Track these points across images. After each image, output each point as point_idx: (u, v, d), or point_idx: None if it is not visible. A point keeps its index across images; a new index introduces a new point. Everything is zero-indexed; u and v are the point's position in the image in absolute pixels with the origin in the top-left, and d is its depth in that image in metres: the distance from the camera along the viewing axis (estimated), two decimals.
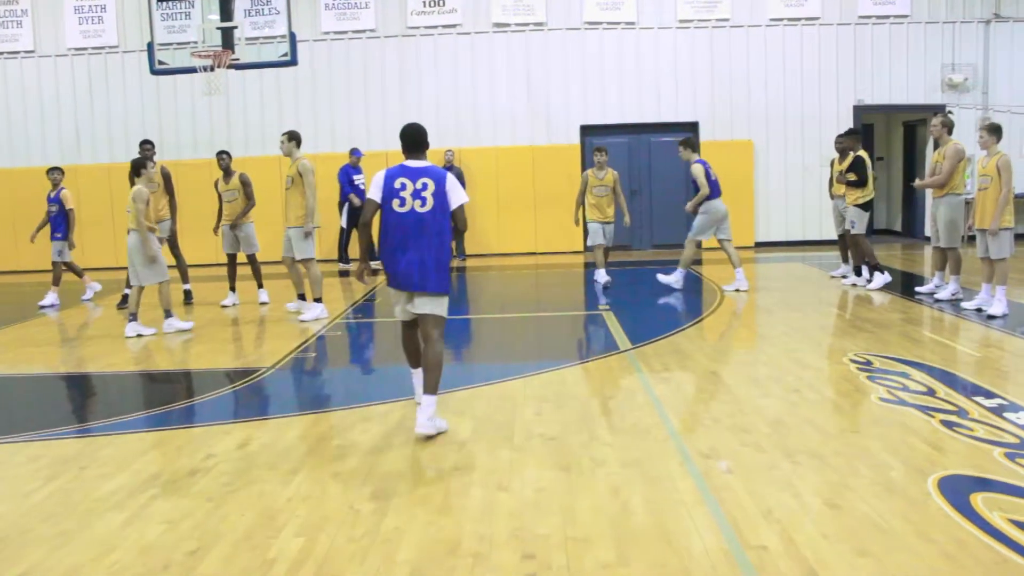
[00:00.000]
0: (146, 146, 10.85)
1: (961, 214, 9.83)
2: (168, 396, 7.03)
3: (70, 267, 11.78)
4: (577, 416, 5.68)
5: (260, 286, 11.11)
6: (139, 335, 9.09)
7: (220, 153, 10.92)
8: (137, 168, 9.16)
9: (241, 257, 11.05)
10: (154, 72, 12.24)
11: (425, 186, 5.37)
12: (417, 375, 5.80)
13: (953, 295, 9.72)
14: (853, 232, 10.95)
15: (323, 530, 3.95)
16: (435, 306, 5.45)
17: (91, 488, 4.62)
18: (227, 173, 10.75)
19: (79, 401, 7.22)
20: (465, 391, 6.57)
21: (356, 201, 13.68)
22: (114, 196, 15.46)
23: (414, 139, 5.59)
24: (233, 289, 11.09)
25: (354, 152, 14.13)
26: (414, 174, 5.42)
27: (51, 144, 16.03)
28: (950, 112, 12.13)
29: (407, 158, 5.57)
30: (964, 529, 3.74)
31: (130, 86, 15.96)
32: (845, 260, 11.72)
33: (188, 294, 11.50)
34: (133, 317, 9.15)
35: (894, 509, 4.00)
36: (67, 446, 5.47)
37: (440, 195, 5.36)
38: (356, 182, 13.88)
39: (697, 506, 4.11)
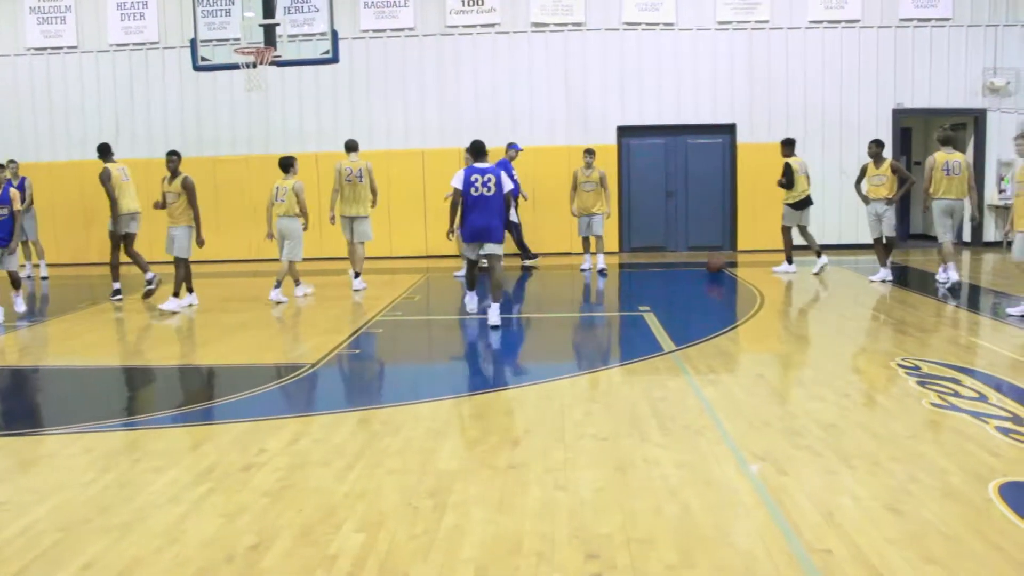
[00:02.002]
0: (172, 156, 10.61)
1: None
2: (214, 391, 7.09)
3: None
4: (627, 417, 5.66)
5: (191, 289, 10.82)
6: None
7: (170, 153, 10.60)
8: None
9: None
10: (197, 68, 12.34)
11: (488, 180, 8.67)
12: (471, 294, 9.50)
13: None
14: (784, 224, 12.83)
15: (383, 526, 3.96)
16: (497, 248, 8.80)
17: (146, 481, 4.66)
18: (173, 175, 10.42)
19: (127, 394, 7.30)
20: (513, 390, 6.58)
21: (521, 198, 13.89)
22: (151, 190, 15.53)
23: (479, 150, 9.03)
24: (191, 291, 10.84)
25: (513, 147, 13.91)
26: (482, 172, 8.75)
27: (91, 139, 16.14)
28: (943, 127, 12.51)
29: (474, 161, 8.96)
30: None
31: (170, 82, 16.09)
32: (883, 264, 11.80)
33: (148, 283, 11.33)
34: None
35: (957, 515, 3.95)
36: (119, 438, 5.53)
37: (498, 184, 8.68)
38: (514, 177, 13.88)
39: (756, 509, 4.09)
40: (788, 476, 4.49)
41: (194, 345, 8.85)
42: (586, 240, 13.51)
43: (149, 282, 11.31)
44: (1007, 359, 7.29)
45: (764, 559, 3.55)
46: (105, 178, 11.07)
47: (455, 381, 7.35)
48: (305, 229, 11.29)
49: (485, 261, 8.87)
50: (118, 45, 16.21)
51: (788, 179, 12.58)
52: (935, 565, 3.47)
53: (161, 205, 10.58)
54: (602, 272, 13.21)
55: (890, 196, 11.73)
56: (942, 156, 11.23)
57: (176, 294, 10.49)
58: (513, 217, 13.93)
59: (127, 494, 4.46)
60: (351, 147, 12.05)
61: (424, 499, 4.29)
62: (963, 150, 16.11)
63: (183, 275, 10.56)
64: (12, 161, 13.55)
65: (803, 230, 12.82)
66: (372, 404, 6.38)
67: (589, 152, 13.31)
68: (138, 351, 8.75)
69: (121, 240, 11.37)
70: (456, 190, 8.70)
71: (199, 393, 7.15)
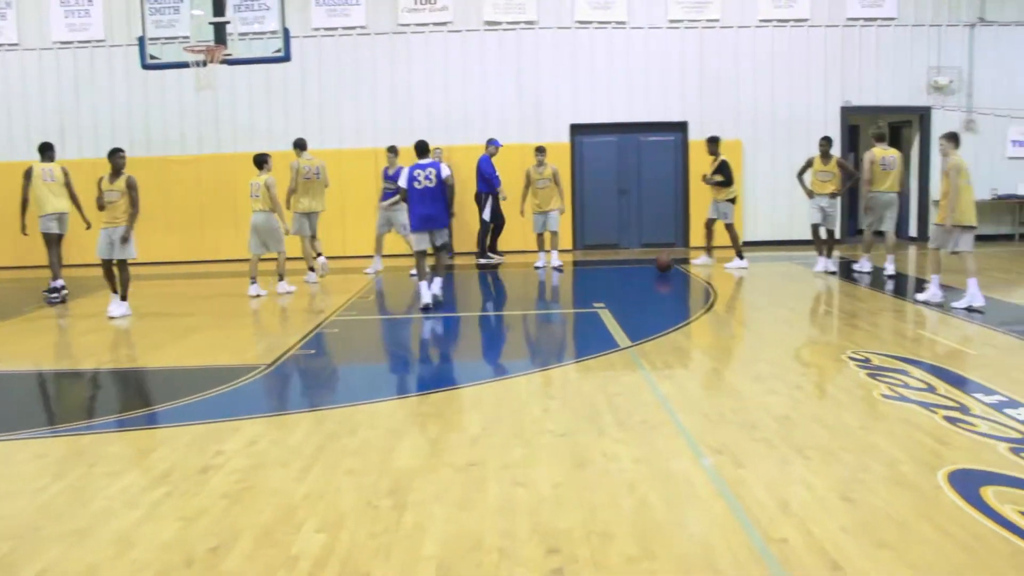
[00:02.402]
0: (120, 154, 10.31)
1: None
2: (169, 394, 6.99)
3: None
4: (585, 413, 5.70)
5: (124, 297, 10.29)
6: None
7: (116, 151, 10.28)
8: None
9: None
10: (145, 66, 12.13)
11: (429, 172, 9.60)
12: (423, 285, 9.89)
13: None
14: (727, 222, 13.01)
15: (343, 527, 3.95)
16: (444, 235, 9.81)
17: (101, 486, 4.59)
18: (117, 173, 10.07)
19: (79, 399, 7.17)
20: (470, 388, 6.59)
21: (501, 193, 14.11)
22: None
23: (423, 149, 9.98)
24: (115, 291, 10.38)
25: (494, 143, 14.16)
26: (423, 167, 9.66)
27: (35, 138, 15.78)
28: (878, 125, 13.22)
29: (419, 159, 9.84)
30: (978, 522, 3.80)
31: (117, 81, 15.80)
32: (820, 253, 12.43)
33: (59, 290, 11.32)
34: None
35: (908, 503, 4.05)
36: (72, 443, 5.44)
37: (438, 176, 9.60)
38: (495, 173, 14.08)
39: (714, 500, 4.15)
40: (744, 468, 4.56)
41: (147, 348, 8.71)
42: (540, 237, 13.63)
43: (55, 290, 11.20)
44: (952, 350, 7.47)
45: (723, 549, 3.61)
46: (25, 176, 11.27)
47: (412, 380, 7.35)
48: (287, 232, 11.68)
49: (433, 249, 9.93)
50: (62, 43, 15.88)
51: (727, 176, 12.88)
52: (887, 550, 3.55)
53: (101, 205, 10.22)
54: (558, 269, 13.34)
55: (836, 191, 12.32)
56: (879, 151, 11.82)
57: (124, 297, 10.26)
58: (485, 215, 13.99)
59: (81, 500, 4.39)
60: (303, 145, 12.40)
61: (384, 498, 4.28)
62: (909, 147, 16.48)
63: (128, 277, 10.33)
64: None
65: (730, 227, 13.18)
66: (329, 404, 6.34)
67: (540, 150, 13.54)
68: (89, 355, 8.59)
69: (48, 239, 11.39)
70: (402, 189, 9.72)
71: (153, 396, 7.05)
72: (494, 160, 14.20)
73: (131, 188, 10.08)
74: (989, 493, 4.13)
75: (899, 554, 3.53)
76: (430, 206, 9.62)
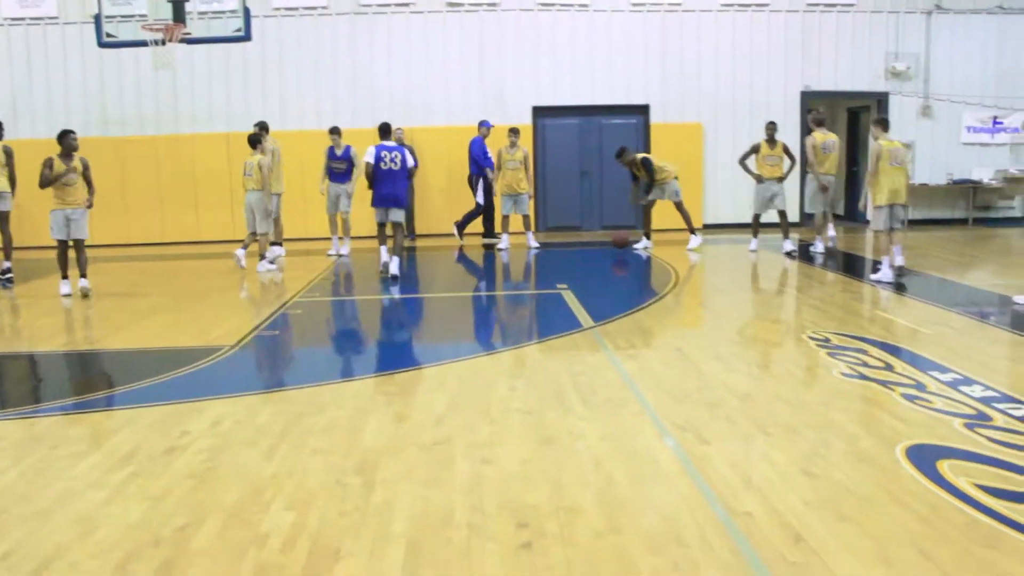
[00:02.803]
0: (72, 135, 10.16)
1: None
2: (132, 375, 6.90)
3: None
4: (550, 391, 5.75)
5: (84, 274, 10.16)
6: None
7: (68, 132, 10.16)
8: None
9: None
10: (102, 45, 11.97)
11: (395, 156, 10.27)
12: (384, 250, 10.94)
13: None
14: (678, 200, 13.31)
15: (312, 505, 3.96)
16: (400, 215, 10.48)
17: (64, 467, 4.54)
18: (68, 154, 9.97)
19: (39, 382, 7.07)
20: (435, 367, 6.61)
21: (491, 175, 13.95)
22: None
23: (386, 130, 10.64)
24: (65, 277, 10.30)
25: (485, 124, 14.10)
26: (389, 149, 10.33)
27: None
28: (818, 110, 13.42)
29: (382, 140, 10.50)
30: (935, 494, 3.90)
31: (71, 59, 15.49)
32: (755, 236, 12.97)
33: (8, 272, 11.10)
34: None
35: (867, 477, 4.15)
36: (33, 425, 5.37)
37: (403, 160, 10.32)
38: (487, 154, 13.99)
39: (680, 477, 4.22)
40: (709, 445, 4.63)
41: (107, 330, 8.60)
42: (506, 219, 13.71)
43: (4, 271, 11.03)
44: (909, 330, 7.63)
45: (689, 523, 3.67)
46: None
47: (377, 360, 7.35)
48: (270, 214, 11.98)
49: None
50: (13, 19, 15.52)
51: (651, 175, 13.08)
52: (848, 523, 3.64)
53: (48, 184, 9.93)
54: (535, 248, 13.54)
55: (782, 176, 12.62)
56: (820, 136, 12.32)
57: (84, 275, 10.12)
58: (479, 198, 13.94)
59: (44, 481, 4.35)
60: (267, 128, 12.76)
61: (352, 476, 4.29)
62: (867, 132, 16.71)
63: (86, 256, 10.21)
64: None
65: (680, 204, 13.39)
66: (294, 384, 6.33)
67: (514, 131, 13.68)
68: (47, 336, 8.45)
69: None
70: (367, 163, 10.23)
71: (114, 378, 6.97)
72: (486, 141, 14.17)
73: (86, 168, 9.98)
74: (945, 467, 4.24)
75: (859, 526, 3.62)
76: (392, 187, 10.30)
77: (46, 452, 4.78)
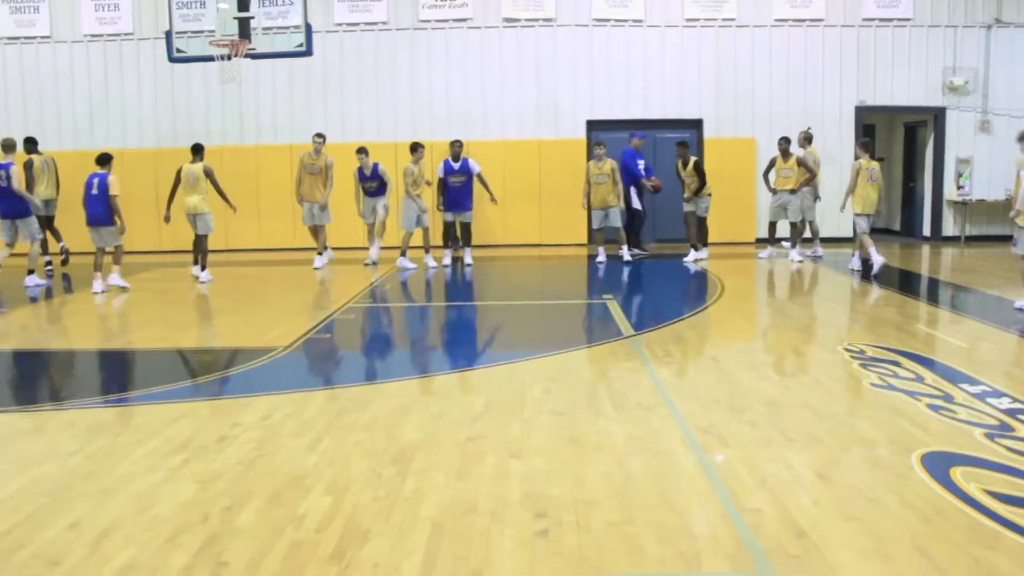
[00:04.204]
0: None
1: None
2: (190, 372, 7.33)
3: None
4: (583, 395, 5.98)
5: (203, 266, 12.20)
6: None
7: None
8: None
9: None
10: (172, 60, 12.51)
11: (461, 172, 12.76)
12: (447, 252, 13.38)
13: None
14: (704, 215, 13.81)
15: (349, 491, 4.25)
16: (468, 216, 12.97)
17: (126, 451, 4.92)
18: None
19: (104, 375, 7.52)
20: (477, 371, 6.89)
21: (647, 184, 14.26)
22: (126, 181, 15.71)
23: (456, 152, 13.11)
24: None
25: (637, 135, 14.55)
26: (458, 166, 12.88)
27: (66, 128, 16.29)
28: (808, 129, 14.23)
29: (450, 155, 13.09)
30: (943, 498, 4.04)
31: (144, 73, 16.20)
32: (772, 244, 13.98)
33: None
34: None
35: (880, 481, 4.30)
36: (99, 415, 5.77)
37: (468, 173, 12.82)
38: (640, 166, 14.32)
39: (697, 476, 4.41)
40: (730, 447, 4.82)
41: (174, 328, 9.06)
42: (599, 233, 13.83)
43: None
44: (945, 344, 7.68)
45: (699, 516, 3.88)
46: (27, 167, 12.49)
47: (420, 363, 7.64)
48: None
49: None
50: (92, 36, 16.30)
51: (703, 179, 13.46)
52: (853, 522, 3.81)
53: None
54: (627, 262, 13.55)
55: (794, 188, 13.42)
56: (867, 163, 12.26)
57: (204, 266, 12.23)
58: (635, 204, 14.30)
59: (108, 464, 4.72)
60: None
61: (388, 467, 4.58)
62: (924, 147, 16.62)
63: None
64: None
65: (702, 220, 13.85)
66: (340, 384, 6.66)
67: (599, 144, 13.66)
68: (118, 334, 8.94)
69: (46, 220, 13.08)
70: (439, 178, 12.91)
71: (177, 374, 7.38)
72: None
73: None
74: (958, 473, 4.37)
75: (864, 525, 3.78)
76: (459, 196, 12.89)
77: (111, 439, 5.16)
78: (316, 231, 13.50)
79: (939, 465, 4.48)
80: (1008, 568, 3.36)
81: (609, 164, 13.39)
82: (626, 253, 13.67)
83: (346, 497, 4.17)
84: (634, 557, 3.52)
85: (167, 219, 12.58)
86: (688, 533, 3.72)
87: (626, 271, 12.87)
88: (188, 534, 3.78)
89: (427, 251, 13.45)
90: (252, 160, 15.81)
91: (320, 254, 13.46)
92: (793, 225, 13.53)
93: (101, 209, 11.16)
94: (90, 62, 16.33)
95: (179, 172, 12.21)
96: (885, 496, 4.10)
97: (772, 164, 13.72)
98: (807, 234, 14.10)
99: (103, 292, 11.03)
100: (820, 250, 13.94)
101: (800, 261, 13.10)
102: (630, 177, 14.18)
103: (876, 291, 10.72)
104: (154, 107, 16.20)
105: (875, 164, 11.92)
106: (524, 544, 3.63)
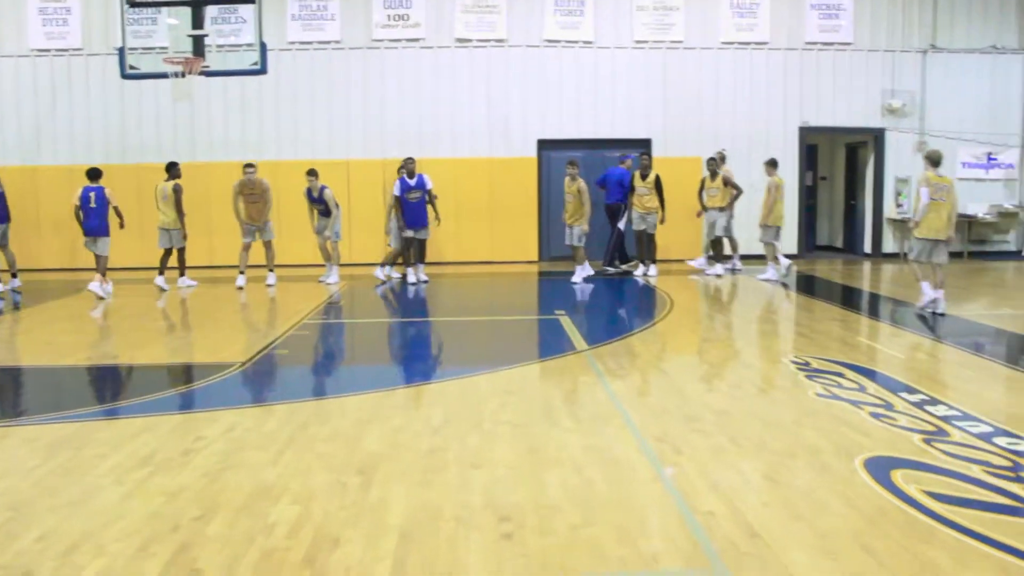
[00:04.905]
0: None
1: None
2: (149, 388, 7.33)
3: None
4: (540, 407, 6.14)
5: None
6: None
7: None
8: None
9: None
10: (125, 76, 12.44)
11: (417, 188, 12.82)
12: (411, 269, 13.28)
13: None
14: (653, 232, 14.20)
15: (315, 500, 4.36)
16: (426, 233, 13.01)
17: (90, 465, 4.95)
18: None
19: (61, 392, 7.48)
20: (435, 384, 7.02)
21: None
22: (75, 198, 15.58)
23: (411, 169, 13.08)
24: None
25: (628, 157, 14.75)
26: (414, 182, 12.92)
27: (10, 143, 16.08)
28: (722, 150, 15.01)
29: (405, 175, 13.09)
30: (884, 499, 4.28)
31: (93, 89, 16.07)
32: (717, 260, 14.31)
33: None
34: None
35: (825, 483, 4.52)
36: (60, 430, 5.78)
37: (424, 189, 12.97)
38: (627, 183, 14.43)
39: (652, 482, 4.60)
40: (682, 454, 5.01)
41: (128, 346, 9.03)
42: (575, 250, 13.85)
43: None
44: (886, 355, 8.00)
45: (656, 519, 4.06)
46: None
47: (379, 377, 7.73)
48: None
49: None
50: (39, 50, 16.13)
51: (661, 195, 14.01)
52: (801, 522, 4.02)
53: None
54: (586, 279, 13.56)
55: (722, 206, 14.06)
56: (779, 180, 13.56)
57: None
58: (621, 224, 14.51)
59: (72, 478, 4.75)
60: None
61: (352, 477, 4.69)
62: (865, 167, 17.17)
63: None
64: None
65: (651, 237, 14.24)
66: (301, 398, 6.74)
67: (571, 163, 13.67)
68: (71, 352, 8.89)
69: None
70: (396, 197, 12.96)
71: (136, 389, 7.39)
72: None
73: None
74: (898, 476, 4.61)
75: (810, 524, 3.99)
76: (418, 212, 13.04)
77: (73, 453, 5.19)
78: (267, 246, 13.50)
79: (881, 468, 4.72)
80: (944, 562, 3.59)
81: (577, 185, 13.36)
82: (578, 273, 13.73)
83: (313, 506, 4.27)
84: (596, 558, 3.68)
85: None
86: (646, 535, 3.89)
87: (578, 288, 13.07)
88: (159, 544, 3.86)
89: (409, 265, 13.67)
90: (203, 177, 15.72)
91: (271, 271, 13.47)
92: (718, 240, 14.19)
93: (99, 221, 12.21)
94: (37, 77, 16.15)
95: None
96: (830, 498, 4.32)
97: (702, 183, 14.29)
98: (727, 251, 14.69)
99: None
100: (739, 263, 14.64)
101: (720, 276, 13.80)
102: (624, 195, 14.42)
103: (814, 304, 11.06)
104: (104, 123, 16.05)
105: (783, 181, 13.50)
106: (490, 547, 3.77)
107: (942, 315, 9.68)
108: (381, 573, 3.55)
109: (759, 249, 14.22)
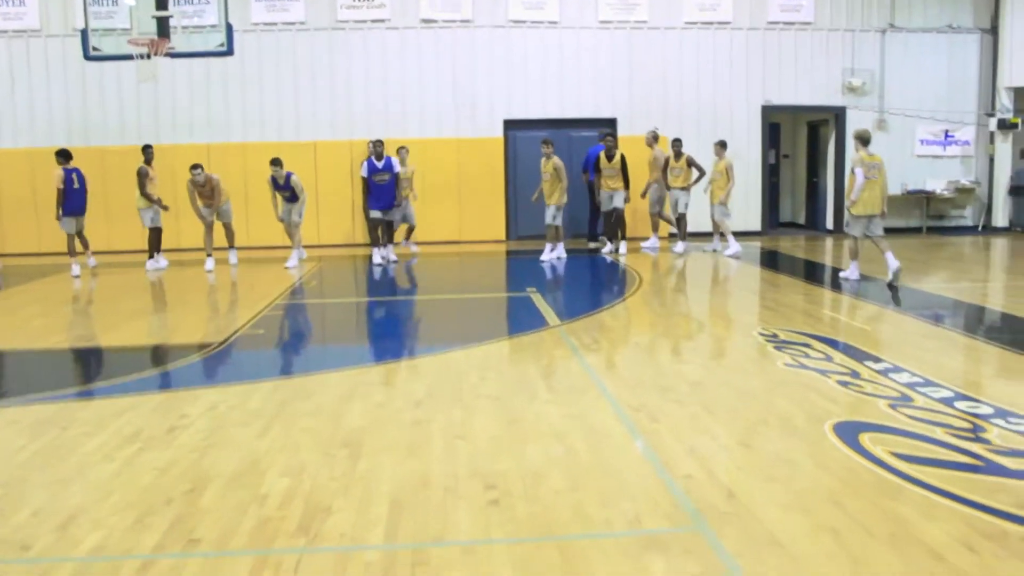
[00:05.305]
0: None
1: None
2: (128, 368, 7.35)
3: None
4: (518, 380, 6.28)
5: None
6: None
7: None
8: None
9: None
10: (88, 58, 12.38)
11: (384, 171, 12.54)
12: (377, 250, 13.29)
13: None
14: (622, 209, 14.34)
15: (304, 472, 4.45)
16: (393, 215, 13.16)
17: (76, 444, 5.00)
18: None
19: (38, 374, 7.47)
20: (413, 360, 7.12)
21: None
22: (36, 181, 15.43)
23: (379, 152, 12.95)
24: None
25: (608, 134, 14.61)
26: (381, 164, 12.69)
27: None
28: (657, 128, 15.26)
29: (373, 157, 12.98)
30: (853, 460, 4.47)
31: (53, 71, 15.86)
32: (683, 238, 14.49)
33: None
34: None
35: (796, 447, 4.71)
36: (42, 410, 5.80)
37: (391, 171, 12.77)
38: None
39: (631, 447, 4.75)
40: (659, 422, 5.17)
41: (101, 328, 9.02)
42: (548, 227, 13.86)
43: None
44: (851, 327, 8.23)
45: (637, 483, 4.21)
46: None
47: (357, 354, 7.83)
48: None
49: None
50: None
51: (626, 173, 14.04)
52: (775, 483, 4.19)
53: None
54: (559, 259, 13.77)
55: (685, 185, 14.23)
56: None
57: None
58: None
59: (60, 456, 4.80)
60: None
61: (339, 449, 4.79)
62: (826, 144, 17.46)
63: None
64: None
65: (620, 215, 14.37)
66: (283, 375, 6.82)
67: (545, 143, 13.64)
68: (46, 334, 8.86)
69: None
70: (364, 178, 13.01)
71: (114, 370, 7.41)
72: None
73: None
74: (866, 439, 4.81)
75: (784, 484, 4.17)
76: (385, 194, 13.08)
77: (58, 432, 5.23)
78: (227, 227, 13.54)
79: (849, 432, 4.91)
80: (912, 515, 3.77)
81: (552, 163, 13.37)
82: (547, 252, 13.81)
83: (303, 478, 4.37)
84: (581, 520, 3.83)
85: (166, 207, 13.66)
86: (628, 497, 4.04)
87: (547, 267, 13.21)
88: (154, 516, 3.94)
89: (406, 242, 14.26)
90: (168, 159, 15.60)
91: (232, 248, 13.69)
92: (682, 216, 14.41)
93: (82, 201, 12.93)
94: None
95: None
96: (802, 460, 4.50)
97: (666, 164, 14.36)
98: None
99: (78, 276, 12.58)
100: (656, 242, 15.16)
101: (681, 253, 14.05)
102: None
103: (781, 279, 11.30)
104: (65, 105, 15.88)
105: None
106: (478, 512, 3.90)
107: (895, 286, 10.08)
108: (375, 538, 3.67)
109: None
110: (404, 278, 12.50)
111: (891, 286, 10.08)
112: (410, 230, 14.55)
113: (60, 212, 12.50)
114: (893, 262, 10.15)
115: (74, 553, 3.60)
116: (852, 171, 10.55)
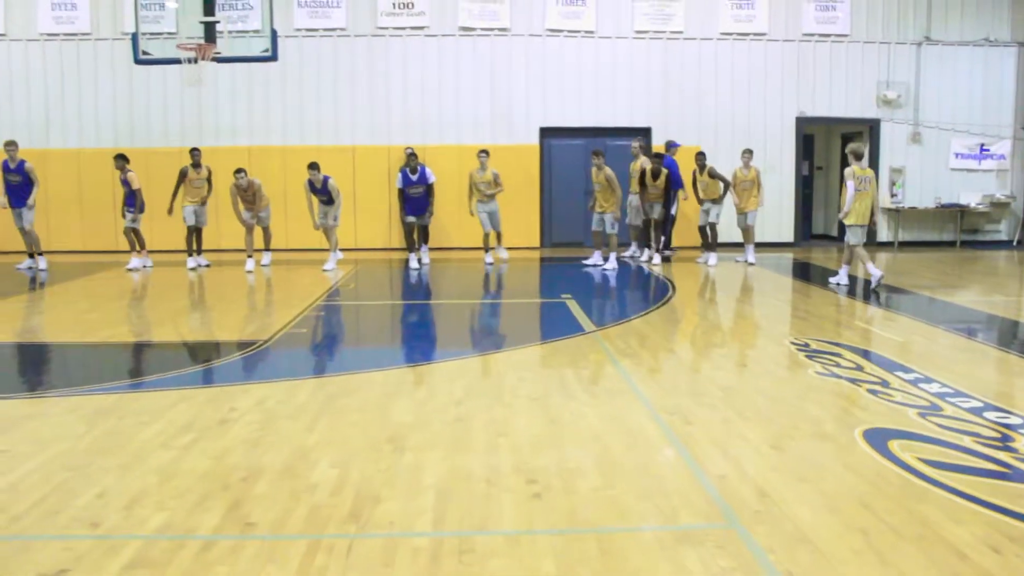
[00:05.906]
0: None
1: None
2: (179, 363, 7.62)
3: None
4: (555, 382, 6.47)
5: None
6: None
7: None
8: None
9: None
10: (138, 62, 12.69)
11: (419, 184, 13.34)
12: (413, 255, 13.77)
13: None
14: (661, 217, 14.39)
15: (353, 464, 4.67)
16: (426, 219, 13.60)
17: (134, 432, 5.25)
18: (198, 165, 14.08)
19: (91, 367, 7.77)
20: (453, 362, 7.32)
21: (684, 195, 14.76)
22: (83, 181, 15.86)
23: (412, 165, 13.49)
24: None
25: (674, 144, 15.01)
26: (415, 177, 13.32)
27: (20, 126, 16.26)
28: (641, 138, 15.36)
29: (407, 167, 13.57)
30: (882, 464, 4.61)
31: (102, 73, 16.29)
32: (711, 249, 14.39)
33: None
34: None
35: (826, 451, 4.85)
36: (99, 401, 6.07)
37: (425, 183, 13.41)
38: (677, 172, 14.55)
39: (666, 448, 4.93)
40: (693, 425, 5.34)
41: (150, 324, 9.32)
42: (594, 234, 14.24)
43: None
44: (882, 338, 8.33)
45: (672, 481, 4.38)
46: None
47: (399, 355, 8.06)
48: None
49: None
50: (48, 35, 16.33)
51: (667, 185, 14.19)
52: (806, 483, 4.35)
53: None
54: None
55: (715, 198, 14.23)
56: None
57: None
58: (672, 211, 14.72)
59: (119, 443, 5.05)
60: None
61: (385, 444, 5.00)
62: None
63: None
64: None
65: (659, 223, 14.45)
66: (327, 373, 7.05)
67: (596, 153, 13.80)
68: (97, 329, 9.18)
69: None
70: (399, 189, 13.55)
71: (165, 365, 7.67)
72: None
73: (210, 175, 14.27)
74: (895, 445, 4.94)
75: (815, 486, 4.32)
76: (419, 203, 13.54)
77: (116, 422, 5.49)
78: (266, 231, 14.08)
79: (878, 439, 5.05)
80: (938, 517, 3.92)
81: (604, 174, 13.48)
82: (598, 259, 13.97)
83: (352, 469, 4.58)
84: (619, 514, 4.01)
85: (170, 211, 14.12)
86: (663, 495, 4.21)
87: (584, 274, 13.38)
88: (213, 500, 4.17)
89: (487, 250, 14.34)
90: (211, 162, 15.95)
91: (268, 251, 14.23)
92: (712, 226, 14.33)
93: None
94: (46, 61, 16.36)
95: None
96: (832, 463, 4.65)
97: (694, 177, 14.47)
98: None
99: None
100: (637, 251, 15.14)
101: (711, 265, 14.03)
102: (681, 182, 14.66)
103: (813, 290, 11.41)
104: (112, 107, 16.29)
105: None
106: (521, 504, 4.09)
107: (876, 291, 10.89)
108: (423, 525, 3.87)
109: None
110: (439, 283, 12.72)
111: (874, 291, 10.82)
112: (498, 236, 14.49)
113: (141, 210, 13.83)
114: (876, 272, 10.96)
115: (140, 531, 3.83)
116: (844, 184, 11.26)
